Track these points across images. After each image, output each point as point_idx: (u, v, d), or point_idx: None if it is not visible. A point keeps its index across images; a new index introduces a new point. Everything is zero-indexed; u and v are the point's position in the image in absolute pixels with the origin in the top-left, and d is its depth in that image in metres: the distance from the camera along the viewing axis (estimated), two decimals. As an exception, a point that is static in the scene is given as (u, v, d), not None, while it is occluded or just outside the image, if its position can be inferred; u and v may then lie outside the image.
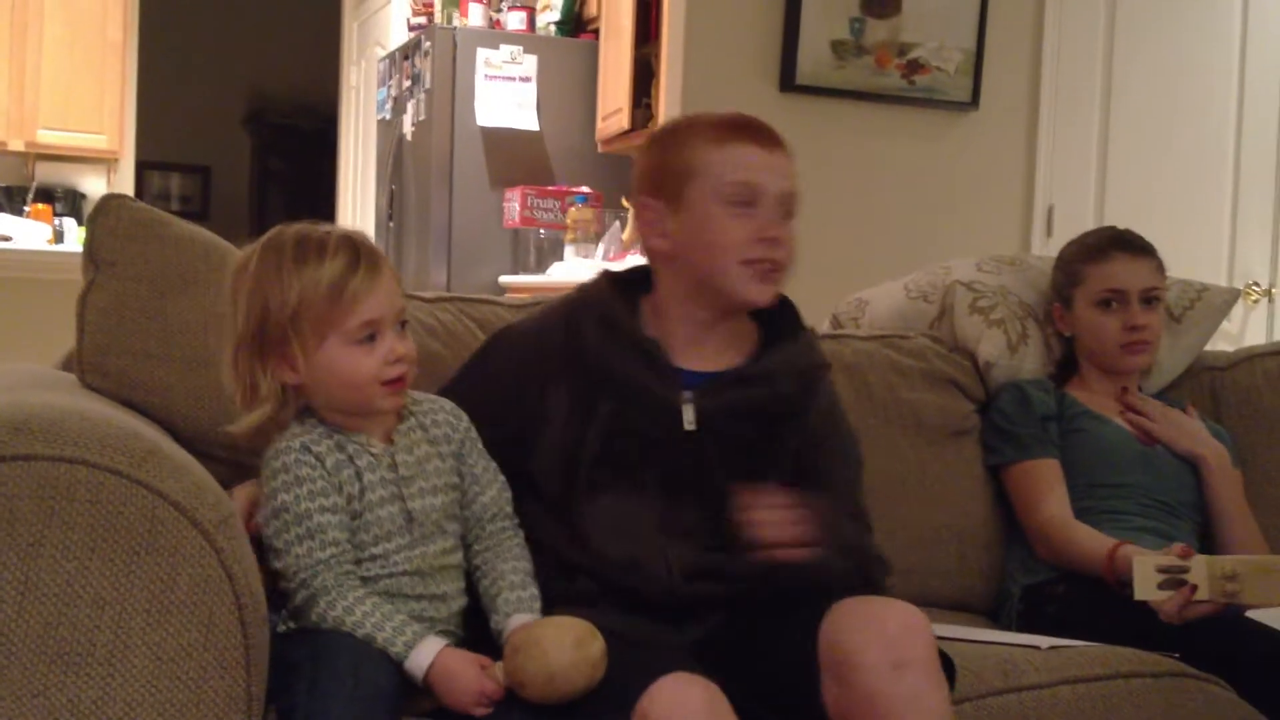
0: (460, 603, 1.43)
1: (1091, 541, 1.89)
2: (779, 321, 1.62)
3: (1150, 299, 2.09)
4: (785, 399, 1.57)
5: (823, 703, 1.36)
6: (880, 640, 1.32)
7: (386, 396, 1.38)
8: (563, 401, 1.52)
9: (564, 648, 1.25)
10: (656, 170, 1.58)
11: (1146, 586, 1.70)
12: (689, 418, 1.53)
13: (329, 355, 1.34)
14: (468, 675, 1.28)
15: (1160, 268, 2.12)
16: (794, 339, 1.61)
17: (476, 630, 1.42)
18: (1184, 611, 1.69)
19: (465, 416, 1.49)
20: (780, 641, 1.43)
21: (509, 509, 1.48)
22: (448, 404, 1.49)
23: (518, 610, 1.40)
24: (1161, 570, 1.70)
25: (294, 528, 1.32)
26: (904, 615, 1.36)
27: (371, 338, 1.35)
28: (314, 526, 1.32)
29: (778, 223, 1.52)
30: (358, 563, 1.35)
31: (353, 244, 1.37)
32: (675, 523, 1.50)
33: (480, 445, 1.49)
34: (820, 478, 1.56)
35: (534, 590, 1.43)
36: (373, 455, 1.38)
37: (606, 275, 1.64)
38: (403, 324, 1.40)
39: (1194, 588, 1.68)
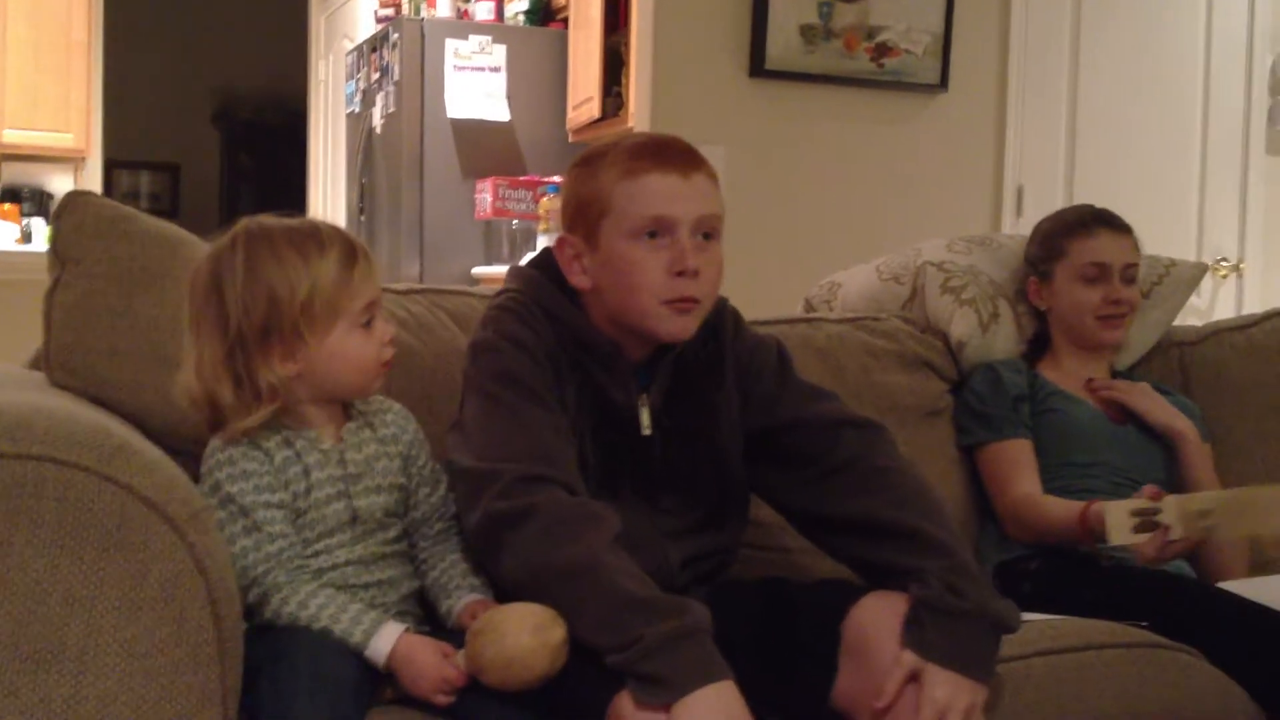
0: (410, 585, 1.44)
1: (1062, 508, 1.91)
2: None
3: (1129, 275, 2.12)
4: (707, 359, 1.56)
5: (833, 699, 1.38)
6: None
7: (380, 377, 1.42)
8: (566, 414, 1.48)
9: (523, 632, 1.25)
10: (570, 205, 1.51)
11: (1121, 531, 1.73)
12: (645, 422, 1.52)
13: (337, 341, 1.36)
14: (429, 661, 1.28)
15: (1137, 245, 2.15)
16: None
17: (436, 620, 1.43)
18: (1161, 552, 1.73)
19: (413, 419, 1.49)
20: (797, 632, 1.44)
21: (452, 509, 1.48)
22: (397, 405, 1.50)
23: (472, 591, 1.41)
24: (1135, 514, 1.73)
25: (240, 520, 1.32)
26: None
27: (368, 322, 1.38)
28: (260, 520, 1.32)
29: (693, 251, 1.44)
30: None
31: (340, 231, 1.40)
32: (662, 522, 1.52)
33: (429, 447, 1.49)
34: (796, 444, 1.55)
35: (485, 578, 1.43)
36: (321, 452, 1.38)
37: (539, 275, 1.54)
38: None
39: (1168, 528, 1.71)
